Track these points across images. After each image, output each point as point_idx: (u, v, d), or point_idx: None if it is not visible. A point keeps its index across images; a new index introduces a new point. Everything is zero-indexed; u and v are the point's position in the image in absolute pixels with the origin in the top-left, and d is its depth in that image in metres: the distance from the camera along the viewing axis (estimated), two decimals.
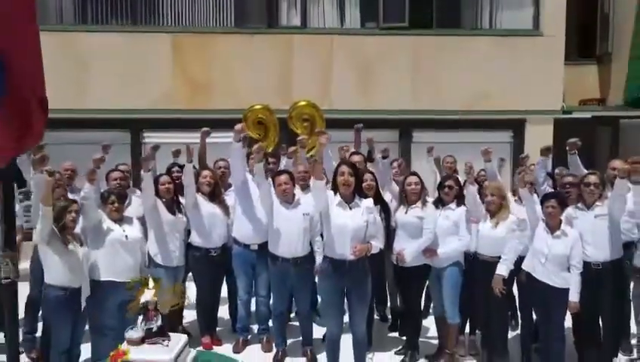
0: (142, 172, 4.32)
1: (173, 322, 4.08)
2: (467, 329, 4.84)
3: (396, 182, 4.96)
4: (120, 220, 4.12)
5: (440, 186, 4.54)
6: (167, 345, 2.44)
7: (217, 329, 4.94)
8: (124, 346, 2.46)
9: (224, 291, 5.02)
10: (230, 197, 4.81)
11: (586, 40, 10.84)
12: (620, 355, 4.55)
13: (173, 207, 4.51)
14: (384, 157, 4.96)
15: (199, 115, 8.15)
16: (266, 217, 4.49)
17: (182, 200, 4.59)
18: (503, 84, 8.15)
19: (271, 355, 4.59)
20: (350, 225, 3.70)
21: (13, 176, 3.34)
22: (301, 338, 4.65)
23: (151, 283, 3.25)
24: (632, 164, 3.85)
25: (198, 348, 3.82)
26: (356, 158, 4.91)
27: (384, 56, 8.28)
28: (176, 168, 4.88)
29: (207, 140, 5.21)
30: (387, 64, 8.27)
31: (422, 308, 5.05)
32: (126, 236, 4.06)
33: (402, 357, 4.63)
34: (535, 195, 4.55)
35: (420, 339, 4.77)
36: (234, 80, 8.13)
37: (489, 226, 4.33)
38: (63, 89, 7.60)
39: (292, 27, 8.36)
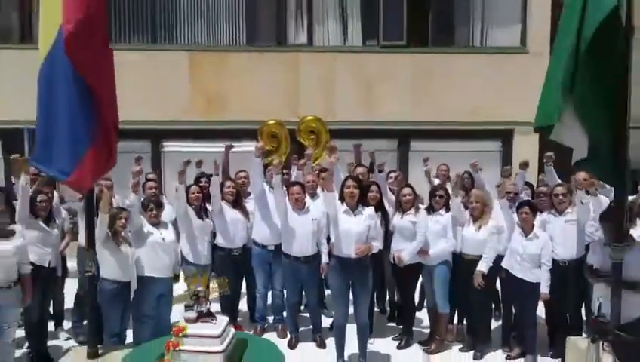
0: (176, 183, 5.03)
1: None
2: (455, 319, 5.56)
3: (392, 191, 5.68)
4: (157, 225, 4.84)
5: (431, 195, 5.27)
6: (215, 323, 3.15)
7: (237, 319, 5.67)
8: (182, 323, 3.18)
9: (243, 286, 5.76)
10: (249, 204, 5.53)
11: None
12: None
13: (202, 213, 5.23)
14: (380, 171, 5.68)
15: (214, 126, 8.91)
16: (280, 222, 5.21)
17: (208, 206, 5.31)
18: (492, 98, 8.84)
19: (285, 341, 5.31)
20: (354, 229, 4.42)
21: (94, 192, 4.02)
22: (311, 326, 5.38)
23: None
24: (589, 179, 4.58)
25: None
26: (360, 170, 5.66)
27: (384, 72, 8.99)
28: (203, 178, 5.61)
29: (223, 149, 5.92)
30: (386, 79, 8.98)
31: (417, 301, 5.81)
32: (163, 238, 4.78)
33: (398, 342, 5.35)
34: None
35: (414, 328, 5.50)
36: (246, 93, 8.83)
37: (472, 229, 5.06)
38: None
39: (299, 45, 9.08)
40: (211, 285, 4.69)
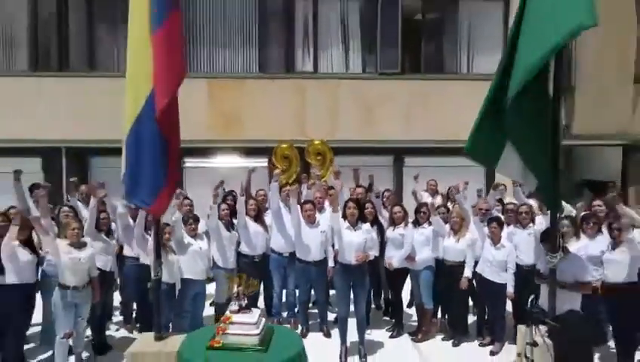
0: (211, 203, 6.13)
1: None
2: (439, 314, 6.67)
3: (385, 207, 6.80)
4: (195, 236, 5.97)
5: (416, 211, 6.38)
6: (252, 314, 4.25)
7: None
8: (228, 313, 4.27)
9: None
10: (267, 217, 6.64)
11: (554, 75, 12.65)
12: None
13: (229, 226, 6.35)
14: (377, 196, 6.81)
15: (230, 144, 10.05)
16: (294, 233, 6.32)
17: (234, 221, 6.43)
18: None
19: (297, 332, 6.42)
20: (355, 241, 5.54)
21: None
22: (319, 319, 6.50)
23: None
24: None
25: None
26: (359, 190, 6.79)
27: (381, 96, 10.14)
28: (230, 197, 6.72)
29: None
30: (384, 102, 10.13)
31: (408, 300, 6.92)
32: (200, 248, 5.90)
33: (391, 332, 6.47)
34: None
35: (405, 321, 6.62)
36: (259, 115, 9.97)
37: (453, 240, 6.17)
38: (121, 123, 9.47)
39: (305, 72, 10.22)
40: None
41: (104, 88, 10.01)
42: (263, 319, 4.37)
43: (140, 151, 4.45)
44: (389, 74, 10.14)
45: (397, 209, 6.26)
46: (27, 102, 9.89)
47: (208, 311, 6.39)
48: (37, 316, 5.73)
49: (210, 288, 6.43)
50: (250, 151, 9.93)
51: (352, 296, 5.75)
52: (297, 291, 6.56)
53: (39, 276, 5.61)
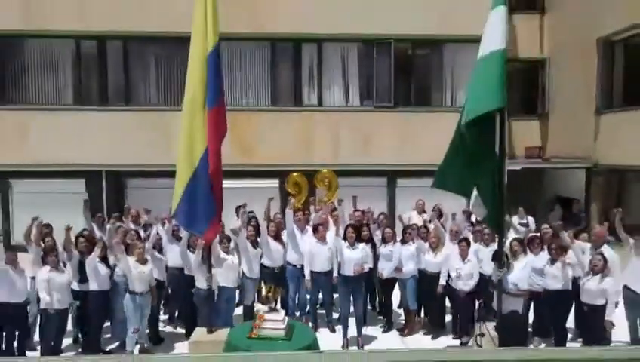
0: (240, 228, 7.75)
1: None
2: (422, 314, 8.29)
3: (379, 225, 8.44)
4: (227, 252, 7.59)
5: (403, 232, 8.02)
6: (279, 313, 5.88)
7: None
8: (261, 313, 5.89)
9: None
10: (284, 236, 8.26)
11: (530, 102, 14.30)
12: None
13: (254, 244, 7.98)
14: (374, 223, 8.45)
15: (247, 168, 11.67)
16: (307, 250, 7.93)
17: (258, 239, 8.05)
18: None
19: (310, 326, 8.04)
20: (353, 257, 7.17)
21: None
22: (326, 318, 8.14)
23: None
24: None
25: None
26: (357, 214, 8.43)
27: (376, 126, 11.79)
28: (253, 220, 8.34)
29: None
30: (379, 131, 11.77)
31: (398, 303, 8.54)
32: (232, 262, 7.53)
33: (383, 328, 8.11)
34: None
35: (394, 320, 8.26)
36: (270, 143, 11.60)
37: (432, 255, 7.80)
38: (155, 150, 11.14)
39: (311, 105, 11.87)
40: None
41: (137, 120, 11.71)
42: (287, 317, 6.02)
43: (196, 197, 6.09)
44: (383, 107, 11.79)
45: (388, 230, 7.91)
46: (73, 131, 11.51)
47: (236, 311, 8.03)
48: None
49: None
50: (263, 174, 11.56)
51: (351, 299, 7.39)
52: (308, 295, 8.19)
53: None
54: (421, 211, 9.97)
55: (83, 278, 6.89)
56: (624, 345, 6.78)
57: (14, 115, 11.47)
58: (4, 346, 6.62)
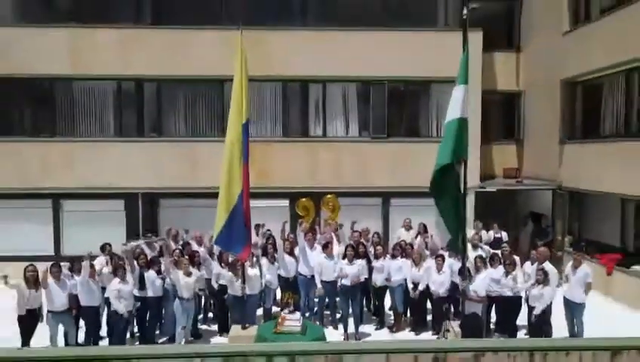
0: (258, 243, 9.73)
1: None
2: (408, 314, 10.25)
3: (372, 245, 10.41)
4: (252, 266, 9.56)
5: (393, 248, 9.99)
6: (296, 314, 7.84)
7: None
8: (283, 314, 7.85)
9: None
10: (296, 251, 10.22)
11: (508, 128, 16.28)
12: None
13: (272, 258, 9.96)
14: (368, 241, 10.43)
15: (262, 190, 13.63)
16: (316, 263, 9.89)
17: (276, 255, 10.03)
18: None
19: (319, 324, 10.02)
20: (351, 271, 9.16)
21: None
22: (330, 317, 10.11)
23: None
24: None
25: None
26: (355, 235, 10.42)
27: (373, 154, 13.76)
28: (271, 239, 10.31)
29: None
30: (374, 159, 13.74)
31: (389, 306, 10.50)
32: (255, 274, 9.50)
33: (376, 326, 10.08)
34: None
35: (385, 320, 10.23)
36: (282, 170, 13.55)
37: (415, 269, 9.77)
38: (183, 175, 13.14)
39: (317, 136, 13.85)
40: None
41: (168, 149, 13.69)
42: (302, 317, 8.03)
43: (234, 226, 8.08)
44: (378, 138, 13.78)
45: (379, 248, 9.90)
46: (114, 159, 13.48)
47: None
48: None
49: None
50: (276, 195, 13.53)
51: (350, 303, 9.37)
52: (316, 299, 10.16)
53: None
54: (408, 228, 11.96)
55: (142, 287, 8.88)
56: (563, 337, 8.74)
57: (65, 146, 13.45)
58: (84, 338, 8.59)
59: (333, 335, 9.55)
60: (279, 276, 10.08)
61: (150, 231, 12.87)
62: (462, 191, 8.04)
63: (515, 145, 16.20)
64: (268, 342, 7.34)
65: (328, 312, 10.27)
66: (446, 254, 9.78)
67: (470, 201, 13.51)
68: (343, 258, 9.33)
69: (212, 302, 10.16)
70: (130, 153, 13.53)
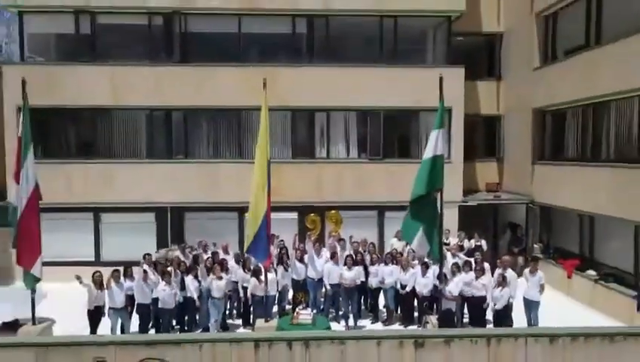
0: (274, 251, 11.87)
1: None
2: (398, 311, 12.38)
3: (369, 253, 12.55)
4: (269, 272, 11.69)
5: (385, 256, 12.13)
6: (308, 310, 9.95)
7: None
8: (297, 310, 9.96)
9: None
10: (305, 259, 12.35)
11: (490, 148, 18.43)
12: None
13: (285, 265, 12.09)
14: (365, 250, 12.57)
15: (275, 204, 15.74)
16: (324, 269, 12.01)
17: (288, 261, 12.15)
18: None
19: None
20: (350, 276, 11.31)
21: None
22: (333, 314, 12.25)
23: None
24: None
25: None
26: (355, 244, 12.58)
27: (370, 173, 15.89)
28: (284, 249, 12.44)
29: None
30: (371, 177, 15.87)
31: (383, 304, 12.62)
32: (273, 278, 11.63)
33: (371, 321, 12.22)
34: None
35: (380, 315, 12.37)
36: (292, 187, 15.63)
37: (403, 274, 11.91)
38: (206, 192, 15.27)
39: (322, 158, 15.99)
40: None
41: (193, 169, 15.83)
42: (312, 313, 10.19)
43: (260, 240, 10.22)
44: (374, 159, 15.93)
45: (374, 256, 12.05)
46: (146, 178, 15.60)
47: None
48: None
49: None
50: (286, 209, 15.65)
51: (350, 302, 11.52)
52: (322, 298, 12.29)
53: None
54: (400, 238, 14.08)
55: (182, 288, 11.02)
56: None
57: (104, 167, 15.59)
58: (138, 328, 10.73)
59: (337, 328, 11.67)
60: (292, 279, 12.22)
61: (180, 241, 15.00)
62: (439, 212, 10.15)
63: (496, 163, 18.34)
64: (286, 331, 9.49)
65: (332, 309, 12.41)
66: (430, 261, 11.95)
67: (454, 214, 15.70)
68: (344, 264, 11.48)
69: (238, 300, 12.30)
70: (160, 172, 15.66)
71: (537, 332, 8.34)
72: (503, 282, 10.57)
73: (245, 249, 10.69)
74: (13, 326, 10.36)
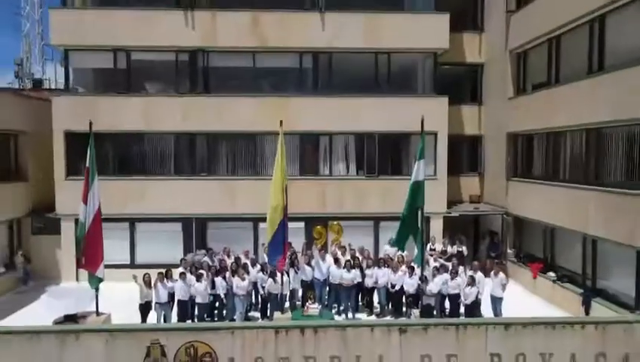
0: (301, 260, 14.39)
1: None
2: (390, 306, 14.89)
3: (364, 258, 15.08)
4: (282, 275, 14.22)
5: (378, 260, 14.65)
6: (316, 305, 12.45)
7: None
8: (308, 305, 12.44)
9: None
10: (313, 263, 14.86)
11: (473, 164, 20.98)
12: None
13: (297, 269, 14.60)
14: (361, 254, 15.10)
15: None
16: (330, 272, 14.52)
17: (298, 265, 14.67)
18: None
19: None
20: (349, 277, 13.84)
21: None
22: (336, 308, 14.78)
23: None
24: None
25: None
26: (352, 251, 15.11)
27: (367, 188, 18.41)
28: (294, 255, 14.95)
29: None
30: (368, 192, 18.38)
31: (377, 301, 15.14)
32: (285, 279, 14.15)
33: (367, 315, 14.75)
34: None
35: (374, 310, 14.89)
36: (299, 199, 18.08)
37: (393, 275, 14.43)
38: (225, 205, 17.79)
39: (325, 175, 18.52)
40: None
41: (214, 185, 18.32)
42: (319, 307, 12.74)
43: (276, 245, 12.74)
44: (370, 176, 18.46)
45: (369, 261, 14.58)
46: (173, 192, 18.09)
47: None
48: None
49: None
50: (294, 219, 18.14)
51: (349, 298, 14.04)
52: (326, 296, 14.81)
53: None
54: (391, 245, 16.59)
55: (213, 287, 13.53)
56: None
57: (138, 183, 18.08)
58: (177, 319, 13.24)
59: (338, 319, 14.18)
60: (301, 281, 14.75)
61: (203, 247, 17.50)
62: (420, 227, 12.69)
63: (478, 177, 20.88)
64: (299, 320, 12.00)
65: (335, 304, 14.94)
66: (415, 265, 14.47)
67: (439, 224, 18.26)
68: (344, 268, 14.01)
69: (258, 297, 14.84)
70: (186, 188, 18.16)
71: (495, 321, 10.85)
72: (472, 282, 13.11)
73: (265, 252, 13.21)
74: (73, 318, 12.89)
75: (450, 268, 14.01)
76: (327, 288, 14.66)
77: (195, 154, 18.45)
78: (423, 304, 12.96)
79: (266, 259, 13.82)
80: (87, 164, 12.65)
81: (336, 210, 18.06)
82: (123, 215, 17.90)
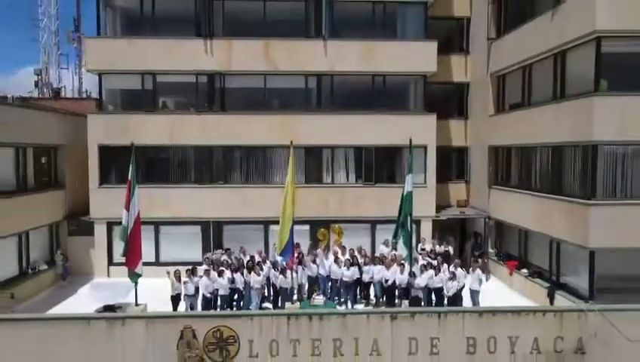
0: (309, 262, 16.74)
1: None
2: (384, 298, 17.23)
3: (362, 257, 17.43)
4: (291, 271, 16.57)
5: (374, 258, 17.00)
6: (321, 297, 14.78)
7: None
8: (314, 296, 14.76)
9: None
10: (317, 261, 17.21)
11: (460, 172, 23.33)
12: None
13: (304, 266, 16.95)
14: (359, 253, 17.47)
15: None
16: (333, 270, 16.87)
17: (304, 263, 17.02)
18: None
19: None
20: (348, 274, 16.19)
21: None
22: (337, 300, 17.14)
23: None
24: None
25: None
26: (351, 250, 17.48)
27: (364, 195, 20.75)
28: (301, 254, 17.30)
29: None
30: (365, 198, 20.74)
31: (373, 294, 17.48)
32: (294, 274, 16.51)
33: (364, 306, 17.11)
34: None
35: (370, 302, 17.24)
36: (304, 205, 20.41)
37: (387, 272, 16.78)
38: (239, 210, 20.16)
39: (327, 183, 20.88)
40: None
41: (230, 192, 20.70)
42: (323, 298, 15.13)
43: (287, 246, 15.11)
44: (368, 184, 20.82)
45: (366, 259, 16.94)
46: (194, 198, 20.46)
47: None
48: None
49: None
50: (300, 223, 20.49)
51: (348, 291, 16.41)
52: (329, 290, 17.16)
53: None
54: (387, 245, 18.96)
55: (232, 281, 15.88)
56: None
57: (162, 190, 20.42)
58: (202, 309, 15.59)
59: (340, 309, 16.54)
60: (308, 276, 17.10)
61: (220, 247, 19.84)
62: (409, 230, 15.06)
63: (465, 184, 23.23)
64: (307, 309, 14.35)
65: (337, 297, 17.29)
66: (405, 263, 16.82)
67: (429, 226, 20.64)
68: (344, 265, 16.37)
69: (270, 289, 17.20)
70: (204, 195, 20.52)
71: (470, 310, 13.22)
72: (453, 277, 15.46)
73: (277, 252, 15.57)
74: (111, 308, 15.23)
75: (435, 265, 16.36)
76: (330, 283, 17.02)
77: (212, 165, 20.80)
78: (412, 296, 15.31)
79: (277, 258, 16.14)
80: (129, 177, 14.94)
81: (337, 214, 20.42)
82: (149, 218, 20.05)
